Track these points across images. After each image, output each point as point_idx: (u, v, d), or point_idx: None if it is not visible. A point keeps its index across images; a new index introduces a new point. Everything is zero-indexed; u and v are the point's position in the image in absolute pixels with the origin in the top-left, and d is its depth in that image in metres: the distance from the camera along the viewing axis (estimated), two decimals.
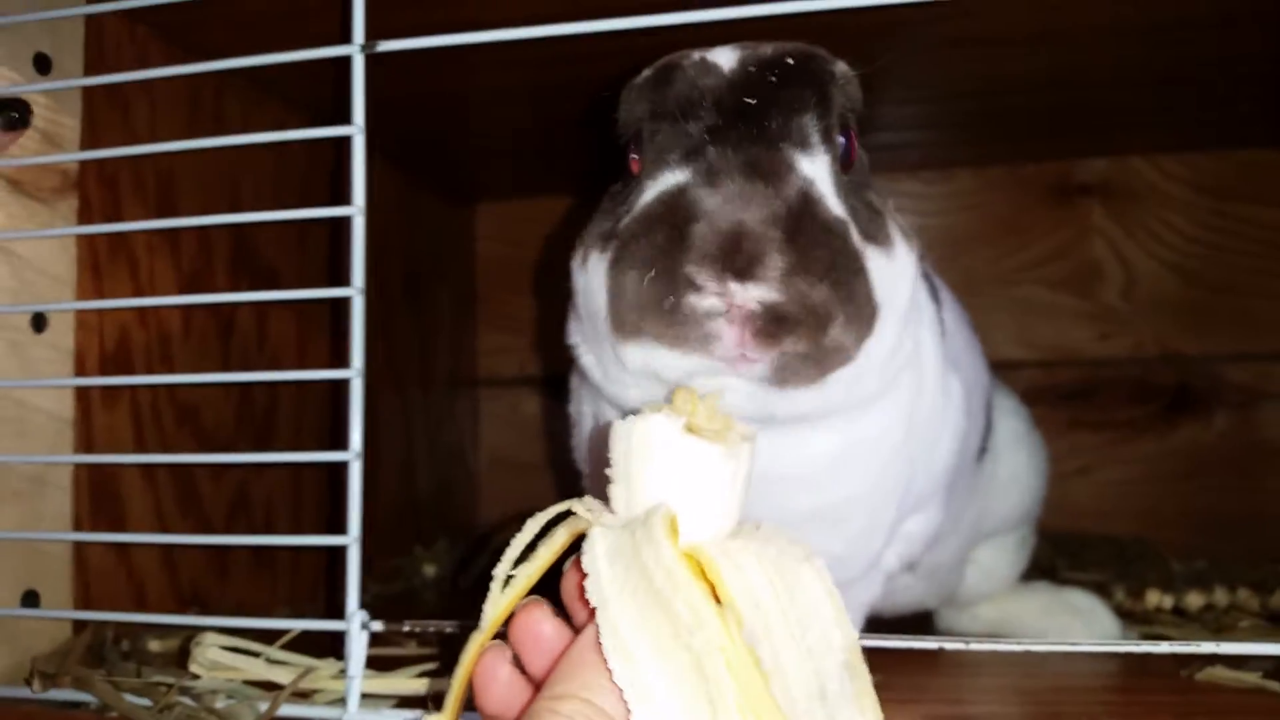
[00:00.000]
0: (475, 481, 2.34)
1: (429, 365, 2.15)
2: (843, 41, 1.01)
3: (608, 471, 0.74)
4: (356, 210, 1.02)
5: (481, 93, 1.59)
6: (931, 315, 1.12)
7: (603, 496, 0.75)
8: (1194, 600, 1.53)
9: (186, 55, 1.39)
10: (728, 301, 0.82)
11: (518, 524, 0.75)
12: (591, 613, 0.67)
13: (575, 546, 0.73)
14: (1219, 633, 1.41)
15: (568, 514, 0.76)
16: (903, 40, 1.39)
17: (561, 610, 0.76)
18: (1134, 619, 1.51)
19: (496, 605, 0.76)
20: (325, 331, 1.71)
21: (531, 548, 0.76)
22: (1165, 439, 2.09)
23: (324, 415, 1.70)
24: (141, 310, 1.34)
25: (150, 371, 1.35)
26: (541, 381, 2.34)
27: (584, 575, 0.69)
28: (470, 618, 0.79)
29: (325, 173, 1.72)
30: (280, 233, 1.62)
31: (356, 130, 1.02)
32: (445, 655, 1.20)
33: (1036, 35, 1.39)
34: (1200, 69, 1.52)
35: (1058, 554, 1.83)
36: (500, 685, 0.74)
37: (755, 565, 0.68)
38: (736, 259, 0.81)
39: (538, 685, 0.72)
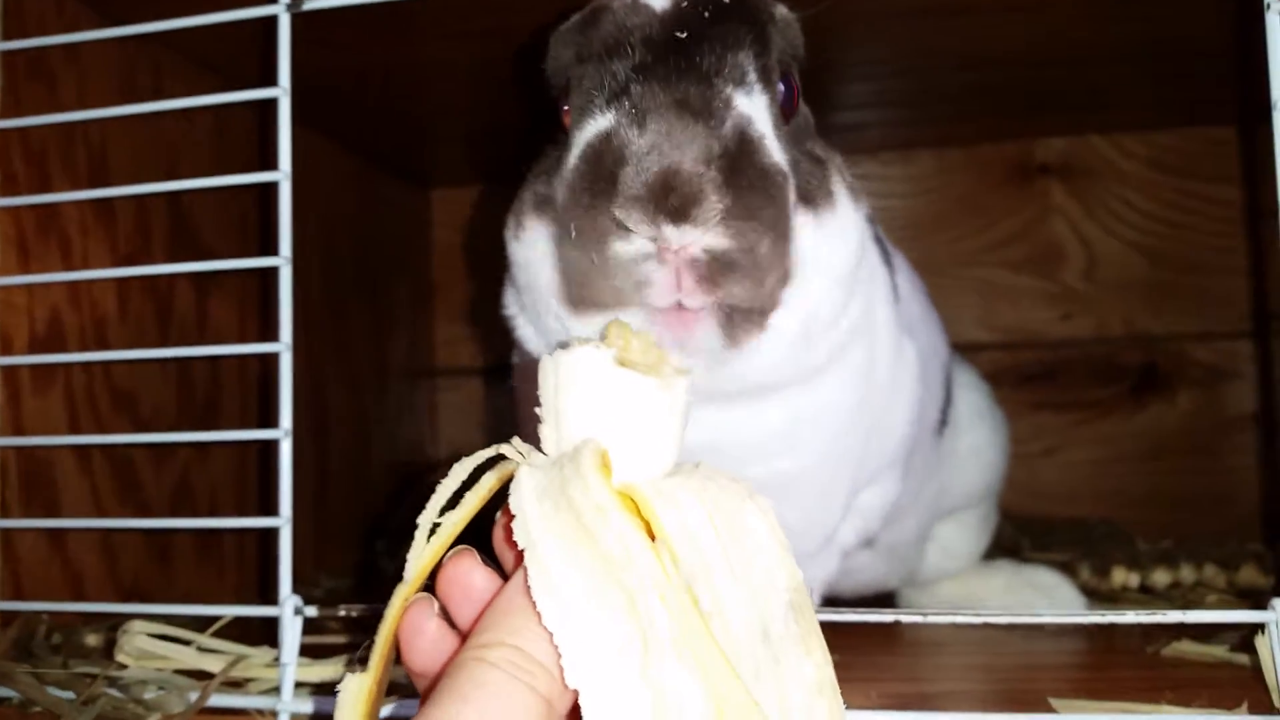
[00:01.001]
0: (433, 474, 2.29)
1: (384, 354, 2.10)
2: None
3: (536, 410, 0.69)
4: (283, 176, 0.98)
5: (431, 68, 1.55)
6: (884, 279, 1.09)
7: (535, 440, 0.70)
8: (1160, 578, 1.51)
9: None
10: (662, 246, 0.78)
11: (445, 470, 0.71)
12: (520, 556, 0.62)
13: (506, 493, 0.67)
14: (1185, 608, 1.39)
15: (499, 459, 0.71)
16: (859, 10, 1.36)
17: (494, 561, 0.72)
18: (1099, 597, 1.49)
19: (421, 556, 0.70)
20: (265, 318, 1.66)
21: (460, 496, 0.71)
22: (1130, 419, 2.08)
23: (265, 403, 1.65)
24: (74, 292, 1.29)
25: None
26: (502, 372, 2.30)
27: (512, 518, 0.63)
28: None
29: (269, 155, 1.67)
30: (221, 217, 1.58)
31: (282, 92, 0.98)
32: None
33: (997, 7, 1.37)
34: (1159, 44, 1.50)
35: (1022, 535, 1.81)
36: (427, 640, 0.69)
37: (694, 503, 0.63)
38: (669, 199, 0.76)
39: (467, 638, 0.67)
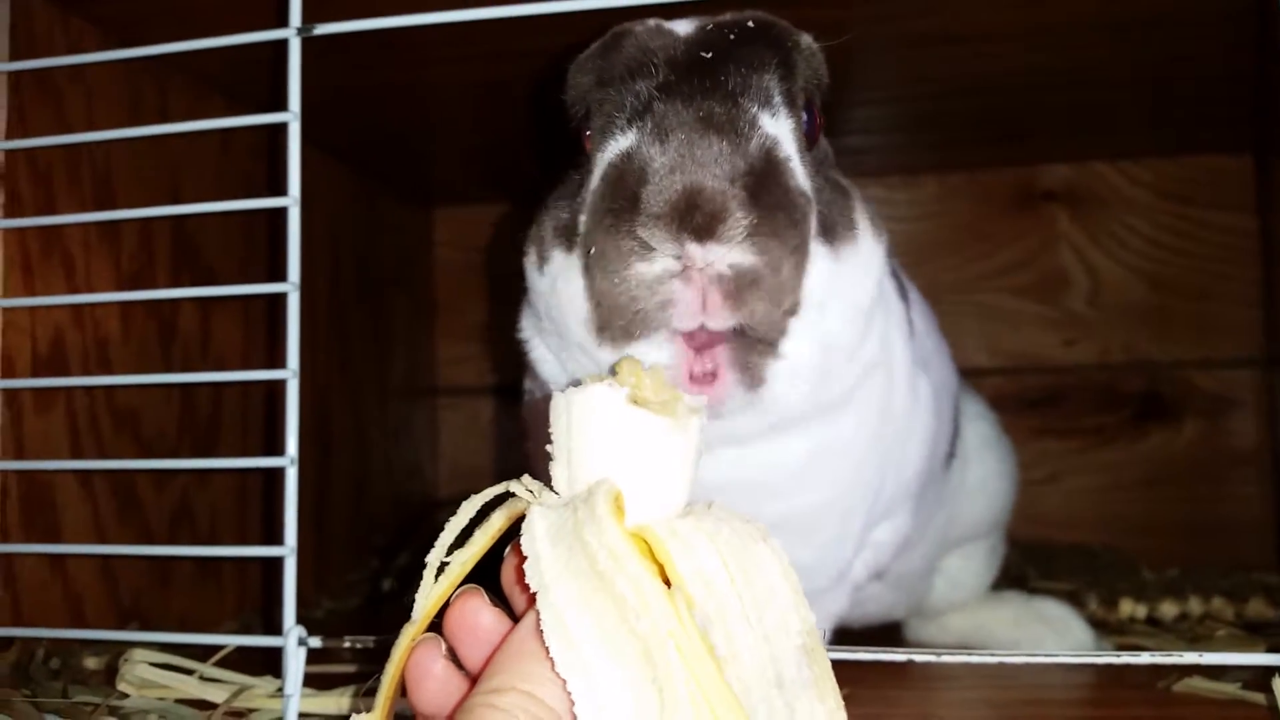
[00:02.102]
0: (435, 494, 2.28)
1: (386, 374, 2.09)
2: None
3: (548, 448, 0.68)
4: (292, 201, 0.97)
5: (436, 89, 1.54)
6: (900, 314, 1.08)
7: (545, 477, 0.69)
8: (1168, 609, 1.50)
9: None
10: (686, 264, 0.76)
11: (453, 509, 0.70)
12: (531, 598, 0.61)
13: (515, 531, 0.67)
14: (1194, 642, 1.38)
15: (507, 496, 0.70)
16: (863, 38, 1.36)
17: (501, 600, 0.70)
18: (1107, 629, 1.47)
19: (429, 595, 0.70)
20: (270, 336, 1.65)
21: (469, 534, 0.70)
22: (1133, 446, 2.07)
23: (269, 423, 1.64)
24: (77, 312, 1.28)
25: (87, 376, 1.29)
26: (503, 391, 2.29)
27: (523, 558, 0.62)
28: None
29: (276, 176, 1.67)
30: (224, 235, 1.57)
31: (292, 117, 0.98)
32: None
33: (998, 34, 1.37)
34: (1164, 71, 1.50)
35: (1027, 563, 1.79)
36: (435, 681, 0.68)
37: (707, 545, 0.62)
38: (694, 216, 0.75)
39: (475, 681, 0.66)
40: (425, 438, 2.28)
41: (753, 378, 0.82)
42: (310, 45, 1.02)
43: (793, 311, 0.82)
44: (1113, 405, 2.09)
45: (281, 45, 1.02)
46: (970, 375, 1.89)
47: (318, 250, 1.80)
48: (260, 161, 1.65)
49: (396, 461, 2.13)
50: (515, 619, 0.68)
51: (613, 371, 0.69)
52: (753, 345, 0.81)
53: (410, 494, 2.17)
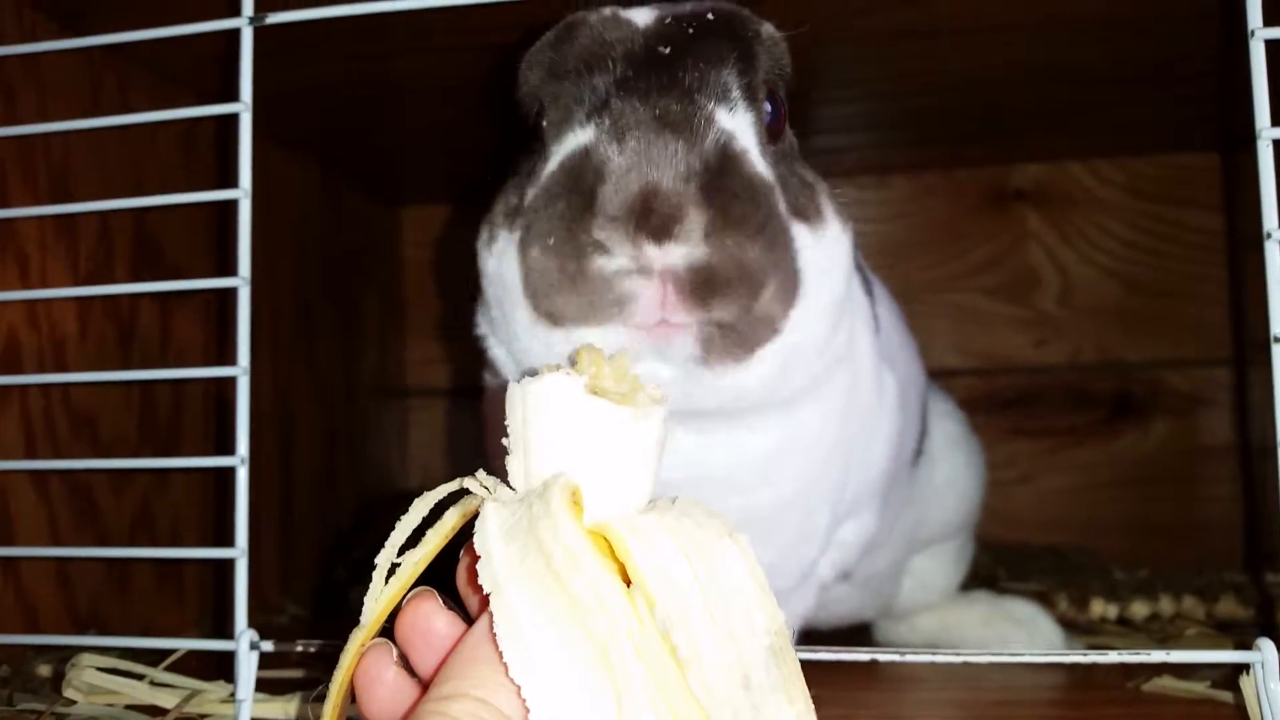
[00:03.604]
0: (403, 498, 2.25)
1: (353, 374, 2.07)
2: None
3: (504, 441, 0.66)
4: (243, 193, 0.95)
5: (400, 84, 1.53)
6: (865, 309, 1.07)
7: (503, 473, 0.67)
8: (1139, 609, 1.49)
9: None
10: (643, 264, 0.75)
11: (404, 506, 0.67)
12: (485, 600, 0.58)
13: (471, 530, 0.63)
14: (1165, 642, 1.38)
15: (464, 494, 0.67)
16: (833, 33, 1.35)
17: (458, 603, 0.68)
18: (1078, 629, 1.47)
19: (380, 597, 0.67)
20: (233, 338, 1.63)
21: (422, 533, 0.67)
22: (1105, 446, 2.07)
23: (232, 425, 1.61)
24: (32, 312, 1.25)
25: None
26: (473, 391, 2.27)
27: (477, 558, 0.60)
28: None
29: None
30: (188, 234, 1.54)
31: (243, 107, 0.95)
32: None
33: (969, 31, 1.36)
34: (1135, 69, 1.50)
35: (998, 564, 1.78)
36: (385, 688, 0.65)
37: (669, 542, 0.60)
38: (650, 219, 0.74)
39: (428, 687, 0.63)
40: (394, 439, 2.26)
41: (710, 352, 0.80)
42: (272, 38, 1.00)
43: (790, 295, 0.81)
44: (1084, 405, 2.08)
45: (237, 37, 1.00)
46: (942, 376, 1.89)
47: (281, 248, 1.78)
48: (224, 161, 1.62)
49: (364, 464, 2.10)
50: (470, 622, 0.65)
51: (572, 361, 0.67)
52: (730, 329, 0.80)
53: (378, 499, 2.14)
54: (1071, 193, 2.08)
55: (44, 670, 1.15)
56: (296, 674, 1.13)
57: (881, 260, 2.09)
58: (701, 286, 0.76)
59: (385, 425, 2.22)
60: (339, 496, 1.97)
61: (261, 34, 1.00)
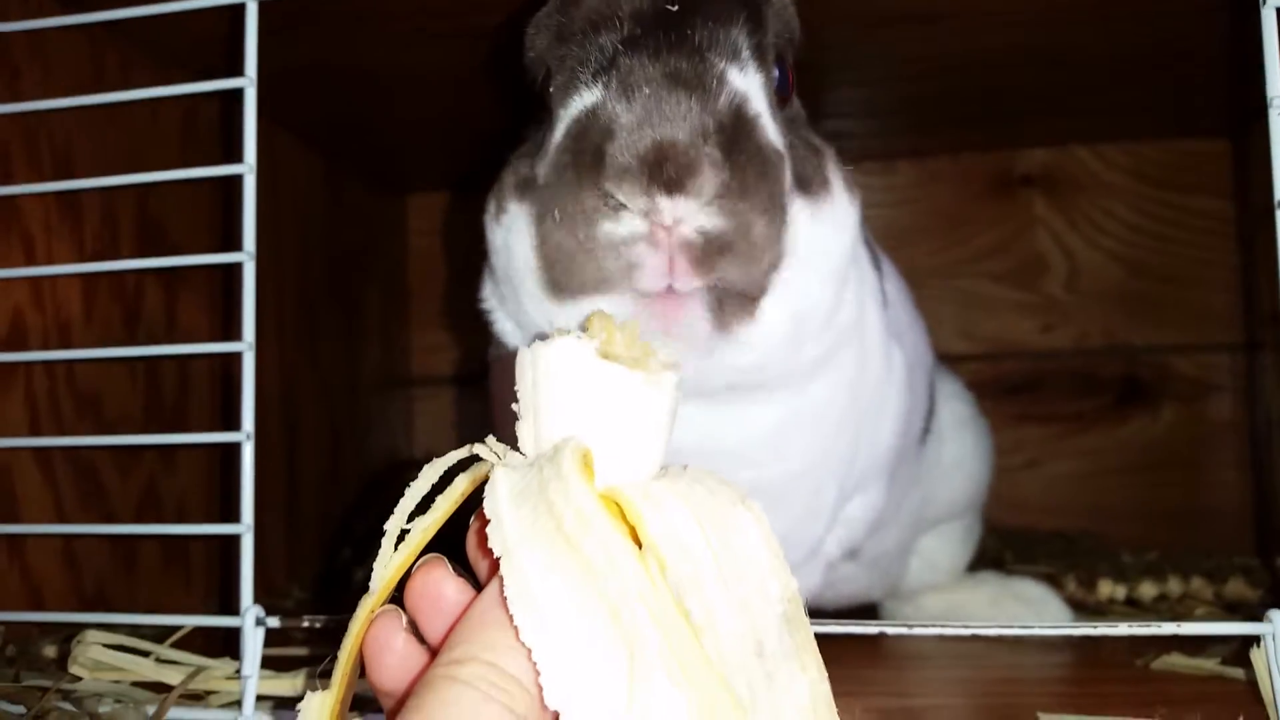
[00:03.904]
0: (410, 466, 2.25)
1: (358, 360, 2.07)
2: None
3: (514, 407, 0.65)
4: (247, 169, 0.94)
5: (404, 71, 1.52)
6: (873, 283, 1.06)
7: (511, 441, 0.66)
8: (1148, 590, 1.49)
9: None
10: (656, 220, 0.74)
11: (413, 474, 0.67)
12: (495, 564, 0.58)
13: (481, 497, 0.63)
14: (1175, 620, 1.37)
15: (474, 461, 0.66)
16: (839, 16, 1.34)
17: (468, 572, 0.67)
18: (1086, 610, 1.46)
19: (389, 565, 0.66)
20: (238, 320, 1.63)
21: (431, 500, 0.67)
22: (1113, 431, 2.06)
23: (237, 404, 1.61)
24: (37, 292, 1.25)
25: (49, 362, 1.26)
26: (478, 379, 2.27)
27: (486, 523, 0.59)
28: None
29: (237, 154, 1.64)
30: (191, 215, 1.54)
31: (248, 82, 0.95)
32: None
33: (975, 14, 1.35)
34: (1141, 51, 1.49)
35: (1006, 548, 1.78)
36: (395, 656, 0.64)
37: (681, 508, 0.59)
38: (664, 169, 0.72)
39: (437, 654, 0.62)
40: (400, 426, 2.26)
41: (722, 320, 0.80)
42: (275, 22, 1.00)
43: (775, 266, 0.80)
44: (1091, 391, 2.08)
45: (241, 15, 0.99)
46: (949, 361, 1.87)
47: (285, 234, 1.78)
48: (227, 142, 1.62)
49: (369, 451, 2.10)
50: (480, 590, 0.64)
51: (584, 326, 0.66)
52: (729, 296, 0.79)
53: (384, 486, 2.14)
54: (1078, 178, 2.07)
55: (50, 649, 1.14)
56: (301, 651, 1.14)
57: (887, 246, 2.06)
58: (711, 252, 0.75)
59: (390, 413, 2.22)
60: (344, 483, 1.97)
61: (266, 10, 1.00)
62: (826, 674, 0.61)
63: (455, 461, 0.67)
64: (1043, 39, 1.44)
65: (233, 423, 1.56)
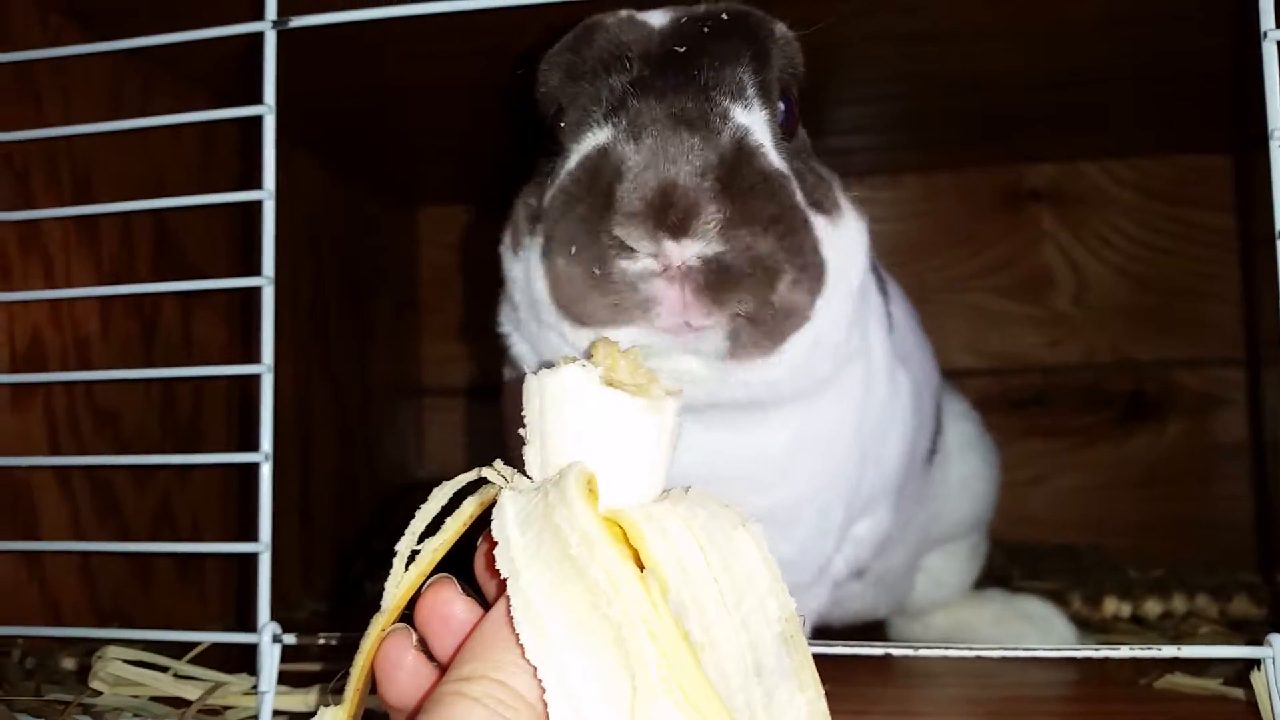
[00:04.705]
0: (423, 487, 2.27)
1: (370, 374, 2.08)
2: None
3: (521, 432, 0.67)
4: (267, 194, 0.96)
5: (419, 87, 1.54)
6: (879, 308, 1.08)
7: (521, 464, 0.68)
8: (1152, 608, 1.50)
9: None
10: (664, 262, 0.76)
11: (423, 496, 0.69)
12: (502, 585, 0.60)
13: (490, 519, 0.65)
14: (1178, 639, 1.38)
15: (482, 483, 0.68)
16: (847, 35, 1.36)
17: (476, 592, 0.69)
18: (1091, 627, 1.47)
19: (400, 584, 0.68)
20: (254, 335, 1.65)
21: (441, 521, 0.69)
22: (1119, 446, 2.07)
23: (252, 422, 1.63)
24: (56, 311, 1.27)
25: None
26: (489, 391, 2.28)
27: (494, 545, 0.61)
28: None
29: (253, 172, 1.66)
30: (208, 235, 1.56)
31: (267, 110, 0.97)
32: None
33: (983, 33, 1.36)
34: (1148, 70, 1.50)
35: (1012, 563, 1.79)
36: (405, 674, 0.67)
37: (683, 530, 0.61)
38: (669, 214, 0.75)
39: (446, 672, 0.64)
40: (411, 439, 2.27)
41: (741, 354, 0.82)
42: (292, 42, 1.01)
43: (817, 284, 0.82)
44: (1099, 405, 2.08)
45: (259, 40, 1.01)
46: (956, 375, 1.89)
47: (300, 248, 1.80)
48: (245, 161, 1.64)
49: (382, 463, 2.12)
50: (488, 609, 0.66)
51: (589, 354, 0.68)
52: (746, 329, 0.81)
53: (395, 496, 2.15)
54: (1085, 193, 2.08)
55: (69, 663, 1.16)
56: (317, 667, 1.15)
57: (895, 260, 2.10)
58: (717, 283, 0.77)
59: (402, 425, 2.24)
60: (357, 495, 1.99)
61: (284, 37, 1.01)
62: (824, 692, 0.63)
63: (464, 484, 0.69)
64: (1051, 58, 1.46)
65: (248, 437, 1.59)
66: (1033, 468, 2.09)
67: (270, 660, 0.94)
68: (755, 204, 0.78)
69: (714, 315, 0.78)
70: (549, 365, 0.67)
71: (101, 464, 1.30)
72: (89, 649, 1.15)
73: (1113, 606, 1.51)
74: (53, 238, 1.27)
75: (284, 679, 0.98)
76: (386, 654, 0.67)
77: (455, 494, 0.69)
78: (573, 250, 0.79)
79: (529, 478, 0.67)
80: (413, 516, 0.68)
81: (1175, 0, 1.26)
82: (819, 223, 0.85)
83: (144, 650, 1.07)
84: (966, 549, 1.48)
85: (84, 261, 1.31)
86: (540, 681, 0.56)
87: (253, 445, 0.99)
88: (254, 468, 0.99)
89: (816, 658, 0.65)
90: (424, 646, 0.68)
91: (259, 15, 1.02)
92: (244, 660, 1.09)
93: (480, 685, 0.58)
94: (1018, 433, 2.08)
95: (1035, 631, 1.39)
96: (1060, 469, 2.09)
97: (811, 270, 0.81)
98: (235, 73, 1.40)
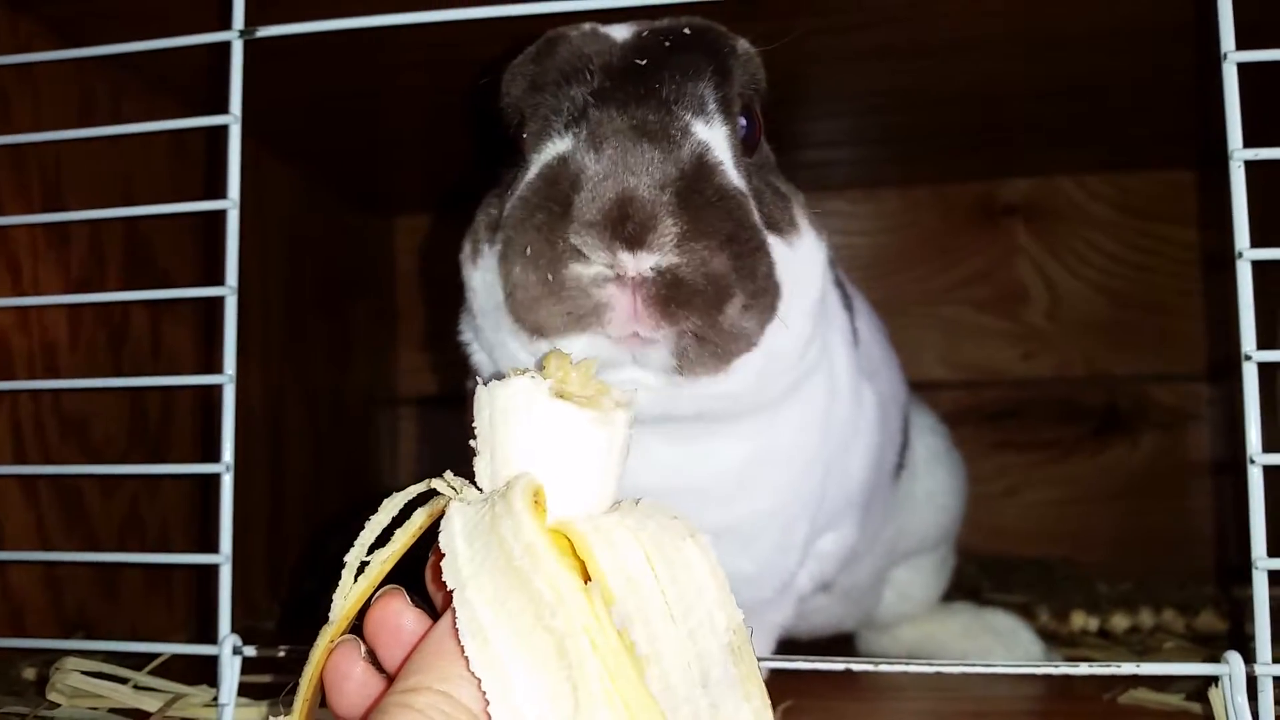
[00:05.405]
0: (377, 501, 2.26)
1: (344, 382, 2.08)
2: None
3: (471, 443, 0.67)
4: (231, 204, 0.96)
5: (392, 96, 1.54)
6: (843, 322, 1.08)
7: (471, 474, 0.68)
8: (1119, 622, 1.50)
9: None
10: (619, 271, 0.77)
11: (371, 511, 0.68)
12: (449, 596, 0.60)
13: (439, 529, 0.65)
14: (1143, 655, 1.38)
15: (433, 494, 0.68)
16: (822, 50, 1.36)
17: (427, 602, 0.69)
18: (1058, 641, 1.47)
19: (349, 595, 0.68)
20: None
21: (391, 533, 0.69)
22: (1092, 460, 2.08)
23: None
24: (23, 317, 1.26)
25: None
26: (459, 401, 2.27)
27: (442, 556, 0.61)
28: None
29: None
30: (178, 242, 1.55)
31: (233, 119, 0.97)
32: None
33: (958, 48, 1.37)
34: (1117, 85, 1.51)
35: (983, 575, 1.80)
36: (354, 684, 0.67)
37: (630, 541, 0.61)
38: (626, 225, 0.75)
39: (393, 683, 0.64)
40: (385, 447, 2.27)
41: (690, 369, 0.82)
42: (263, 50, 1.01)
43: (768, 310, 0.82)
44: (1071, 419, 2.09)
45: (228, 49, 1.01)
46: (930, 388, 1.90)
47: (272, 255, 1.79)
48: (216, 167, 1.63)
49: (354, 471, 2.11)
50: (437, 620, 0.66)
51: (541, 366, 0.68)
52: (695, 345, 0.81)
53: (367, 507, 2.14)
54: (1060, 208, 2.09)
55: (29, 673, 1.15)
56: (280, 679, 1.15)
57: (871, 273, 2.11)
58: (669, 296, 0.77)
59: (376, 431, 2.23)
60: (329, 502, 1.98)
61: (252, 45, 1.01)
62: (770, 703, 0.63)
63: (415, 495, 0.69)
64: (1025, 74, 1.47)
65: (215, 447, 1.58)
66: (1006, 480, 2.09)
67: (231, 672, 0.93)
68: (712, 220, 0.78)
69: (663, 328, 0.79)
70: (499, 376, 0.67)
71: (64, 473, 1.29)
72: (50, 659, 1.14)
73: (1080, 620, 1.51)
74: (21, 244, 1.26)
75: (245, 690, 0.98)
76: (335, 665, 0.67)
77: (407, 505, 0.69)
78: (528, 254, 0.79)
79: (479, 489, 0.67)
80: (362, 528, 0.68)
81: (1149, 18, 1.27)
82: (775, 243, 0.85)
83: (106, 661, 1.06)
84: (934, 562, 1.48)
85: (52, 267, 1.31)
86: (484, 693, 0.56)
87: (218, 455, 0.99)
88: (218, 478, 0.99)
89: (780, 672, 0.65)
90: (373, 658, 0.68)
91: (227, 24, 1.02)
92: (206, 671, 1.08)
93: (425, 696, 0.58)
94: (991, 446, 2.09)
95: (1001, 645, 1.39)
96: (1033, 482, 2.10)
97: (763, 297, 0.82)
98: (207, 78, 1.40)
